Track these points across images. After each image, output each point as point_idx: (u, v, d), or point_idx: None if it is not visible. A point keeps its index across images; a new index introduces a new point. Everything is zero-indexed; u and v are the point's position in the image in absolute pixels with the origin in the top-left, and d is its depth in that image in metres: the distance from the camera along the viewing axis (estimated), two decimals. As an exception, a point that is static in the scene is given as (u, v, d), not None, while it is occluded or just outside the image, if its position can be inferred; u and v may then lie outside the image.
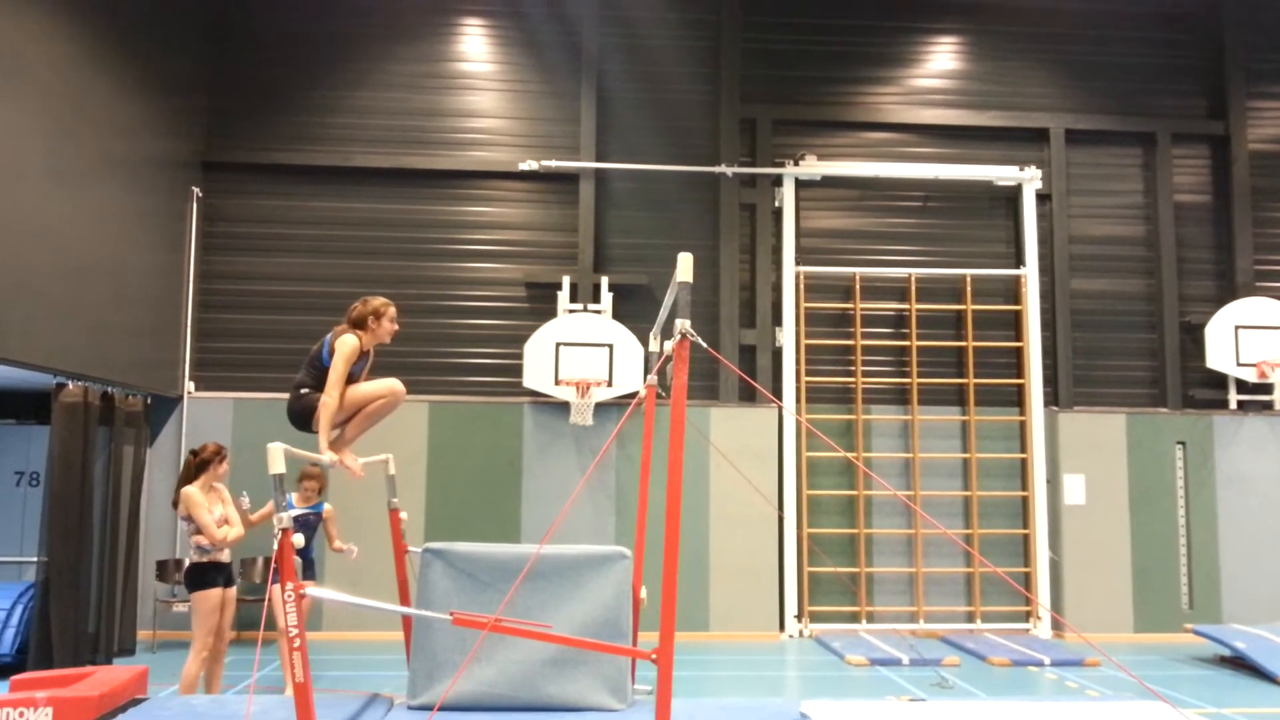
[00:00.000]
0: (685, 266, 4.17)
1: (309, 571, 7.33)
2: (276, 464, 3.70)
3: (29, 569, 8.84)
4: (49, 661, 7.79)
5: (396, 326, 5.79)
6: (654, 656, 3.87)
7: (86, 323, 8.63)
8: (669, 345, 4.20)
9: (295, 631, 3.53)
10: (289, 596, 3.55)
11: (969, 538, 11.27)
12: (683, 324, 4.08)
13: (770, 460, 11.08)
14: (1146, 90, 12.12)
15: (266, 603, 6.48)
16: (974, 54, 12.13)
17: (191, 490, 6.46)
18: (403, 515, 6.47)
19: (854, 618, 11.10)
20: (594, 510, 10.80)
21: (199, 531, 6.42)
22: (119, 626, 9.20)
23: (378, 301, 5.68)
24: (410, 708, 5.39)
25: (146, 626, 9.99)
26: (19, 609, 8.30)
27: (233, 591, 6.72)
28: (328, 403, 5.32)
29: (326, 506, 7.55)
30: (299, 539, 6.54)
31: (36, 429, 9.65)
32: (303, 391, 5.48)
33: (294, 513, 7.25)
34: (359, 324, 5.59)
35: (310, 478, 7.46)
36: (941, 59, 12.16)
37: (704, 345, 4.26)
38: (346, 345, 5.43)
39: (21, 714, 5.62)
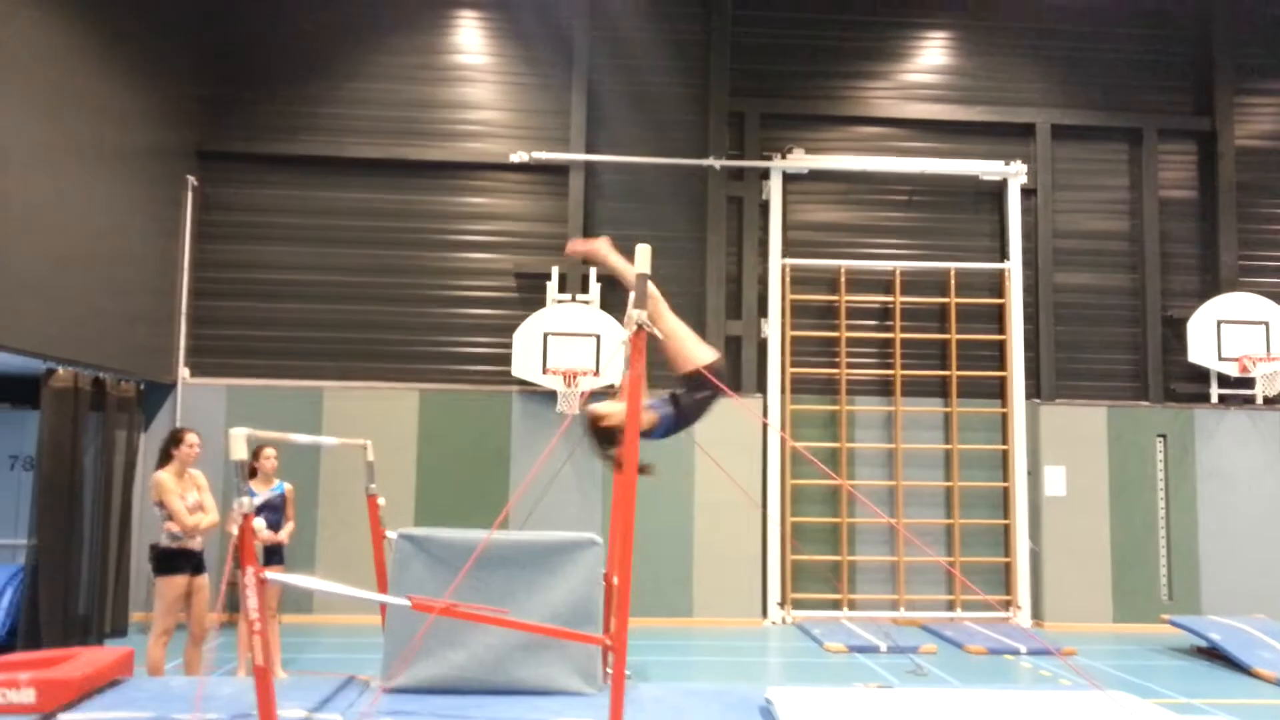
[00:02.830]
0: (643, 258, 4.29)
1: (277, 556, 7.44)
2: (238, 450, 3.83)
3: (23, 552, 8.99)
4: (38, 643, 7.92)
5: None
6: (608, 641, 4.01)
7: (78, 310, 8.76)
8: (625, 336, 4.32)
9: (255, 615, 3.67)
10: (250, 580, 3.69)
11: (950, 528, 11.42)
12: (640, 315, 4.21)
13: (755, 449, 11.21)
14: (1133, 86, 12.19)
15: (227, 588, 6.58)
16: (961, 49, 12.20)
17: (162, 476, 6.57)
18: (381, 501, 6.60)
19: (836, 605, 11.25)
20: (582, 498, 10.96)
21: (171, 517, 6.52)
22: (111, 608, 9.36)
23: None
24: (384, 691, 5.53)
25: (140, 608, 10.17)
26: (9, 591, 8.45)
27: (203, 579, 6.76)
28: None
29: (287, 486, 7.69)
30: (259, 523, 6.69)
31: (30, 413, 9.79)
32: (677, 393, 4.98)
33: (258, 500, 7.37)
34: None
35: (268, 458, 7.52)
36: (929, 54, 12.23)
37: (659, 337, 4.38)
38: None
39: (4, 695, 5.75)
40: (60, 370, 8.53)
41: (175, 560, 6.55)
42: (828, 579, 11.24)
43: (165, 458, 6.67)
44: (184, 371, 11.00)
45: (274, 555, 7.38)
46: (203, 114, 11.44)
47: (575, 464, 10.77)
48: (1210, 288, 11.87)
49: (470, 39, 11.92)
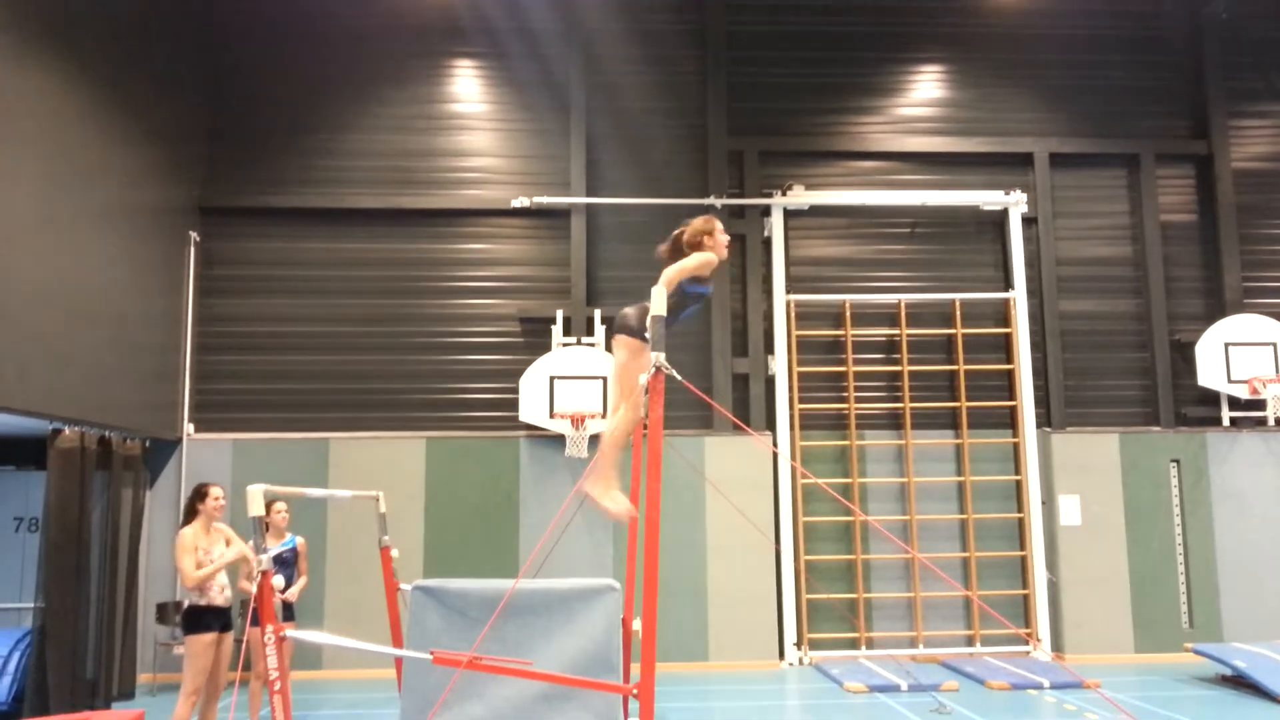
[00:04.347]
0: (659, 300, 4.26)
1: (288, 611, 7.32)
2: (255, 506, 3.76)
3: (28, 615, 8.86)
4: (45, 708, 7.80)
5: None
6: (635, 691, 3.90)
7: (83, 368, 8.72)
8: (644, 379, 4.26)
9: (276, 674, 3.57)
10: (269, 639, 3.59)
11: (966, 561, 11.28)
12: (657, 357, 4.15)
13: (766, 487, 11.10)
14: (1129, 112, 12.26)
15: (245, 644, 6.45)
16: (957, 82, 12.29)
17: (184, 532, 6.49)
18: (394, 553, 6.50)
19: (854, 644, 11.08)
20: (592, 542, 10.83)
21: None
22: (118, 670, 9.21)
23: (699, 220, 4.85)
24: (402, 747, 5.40)
25: (147, 669, 10.01)
26: (16, 655, 8.32)
27: (229, 635, 6.67)
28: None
29: (299, 540, 7.58)
30: (279, 580, 6.58)
31: (35, 475, 9.72)
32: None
33: (273, 553, 7.24)
34: (695, 246, 4.83)
35: (279, 513, 7.44)
36: (925, 87, 12.32)
37: (678, 378, 4.33)
38: (698, 257, 4.62)
39: (18, 761, 5.67)
40: (67, 430, 8.47)
41: (204, 618, 6.44)
42: (844, 617, 11.08)
43: (191, 513, 6.58)
44: (189, 427, 10.93)
45: (285, 611, 7.27)
46: (203, 170, 11.49)
47: (585, 510, 10.66)
48: (1216, 310, 11.85)
49: (467, 88, 12.00)
